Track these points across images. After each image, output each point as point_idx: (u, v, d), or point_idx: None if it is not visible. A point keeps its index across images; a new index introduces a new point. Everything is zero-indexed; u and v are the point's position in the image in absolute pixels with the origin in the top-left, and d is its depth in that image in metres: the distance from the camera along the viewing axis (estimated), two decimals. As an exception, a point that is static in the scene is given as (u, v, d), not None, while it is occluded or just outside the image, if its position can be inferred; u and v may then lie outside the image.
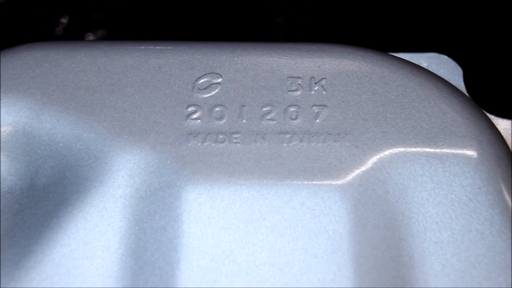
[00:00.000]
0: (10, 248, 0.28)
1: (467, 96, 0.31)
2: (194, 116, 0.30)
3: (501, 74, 0.48)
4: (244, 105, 0.30)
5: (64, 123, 0.29)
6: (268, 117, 0.30)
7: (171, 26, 0.52)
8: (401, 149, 0.29)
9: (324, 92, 0.30)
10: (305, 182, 0.28)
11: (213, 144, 0.29)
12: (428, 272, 0.27)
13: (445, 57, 0.39)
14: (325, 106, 0.30)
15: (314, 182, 0.28)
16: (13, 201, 0.29)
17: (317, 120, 0.30)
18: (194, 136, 0.29)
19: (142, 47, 0.31)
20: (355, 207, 0.28)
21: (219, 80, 0.31)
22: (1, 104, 0.30)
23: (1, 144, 0.30)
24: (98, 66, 0.31)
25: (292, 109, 0.30)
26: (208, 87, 0.30)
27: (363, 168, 0.29)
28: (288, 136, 0.29)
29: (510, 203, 0.28)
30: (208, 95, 0.30)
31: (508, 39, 0.49)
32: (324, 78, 0.30)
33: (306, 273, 0.27)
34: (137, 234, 0.28)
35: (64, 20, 0.52)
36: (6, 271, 0.28)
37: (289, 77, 0.31)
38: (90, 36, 0.53)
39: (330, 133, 0.29)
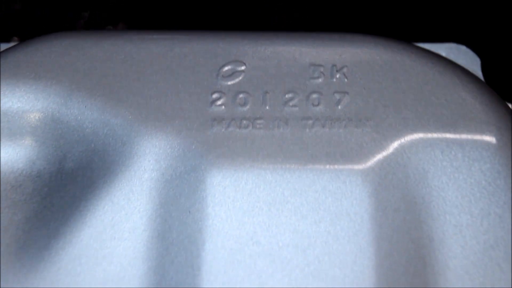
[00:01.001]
0: (40, 230, 0.29)
1: (485, 84, 0.31)
2: (219, 102, 0.30)
3: (519, 65, 0.48)
4: (267, 92, 0.31)
5: (92, 109, 0.30)
6: (290, 104, 0.30)
7: (171, 26, 0.52)
8: (422, 135, 0.29)
9: (346, 80, 0.31)
10: (327, 166, 0.29)
11: (237, 130, 0.30)
12: (448, 253, 0.27)
13: (464, 47, 0.39)
14: (347, 93, 0.30)
15: (336, 167, 0.29)
16: (42, 184, 0.30)
17: (339, 107, 0.30)
18: (219, 122, 0.30)
19: (168, 36, 0.32)
20: (376, 191, 0.28)
21: (243, 67, 0.31)
22: (31, 91, 0.30)
23: (31, 130, 0.30)
24: (125, 54, 0.31)
25: (314, 95, 0.30)
26: (232, 74, 0.31)
27: (384, 153, 0.29)
28: (310, 121, 0.30)
29: None
30: (232, 82, 0.31)
31: (525, 32, 0.49)
32: (346, 66, 0.31)
33: (328, 254, 0.28)
34: (163, 216, 0.29)
35: (85, 14, 0.53)
36: (36, 252, 0.29)
37: (311, 65, 0.31)
38: (111, 29, 0.53)
39: (351, 119, 0.30)
